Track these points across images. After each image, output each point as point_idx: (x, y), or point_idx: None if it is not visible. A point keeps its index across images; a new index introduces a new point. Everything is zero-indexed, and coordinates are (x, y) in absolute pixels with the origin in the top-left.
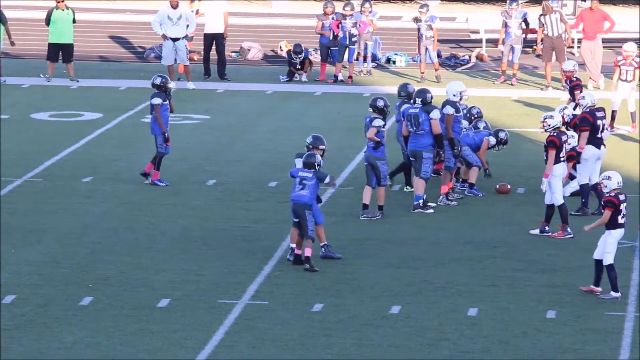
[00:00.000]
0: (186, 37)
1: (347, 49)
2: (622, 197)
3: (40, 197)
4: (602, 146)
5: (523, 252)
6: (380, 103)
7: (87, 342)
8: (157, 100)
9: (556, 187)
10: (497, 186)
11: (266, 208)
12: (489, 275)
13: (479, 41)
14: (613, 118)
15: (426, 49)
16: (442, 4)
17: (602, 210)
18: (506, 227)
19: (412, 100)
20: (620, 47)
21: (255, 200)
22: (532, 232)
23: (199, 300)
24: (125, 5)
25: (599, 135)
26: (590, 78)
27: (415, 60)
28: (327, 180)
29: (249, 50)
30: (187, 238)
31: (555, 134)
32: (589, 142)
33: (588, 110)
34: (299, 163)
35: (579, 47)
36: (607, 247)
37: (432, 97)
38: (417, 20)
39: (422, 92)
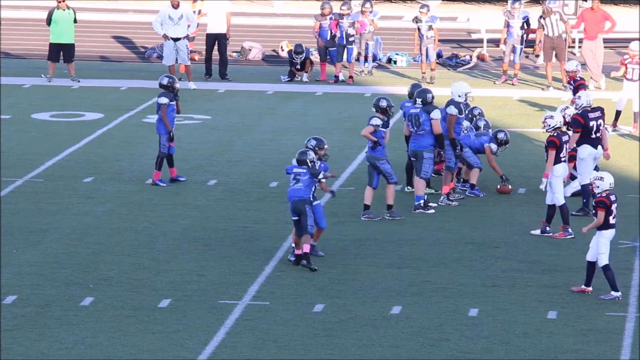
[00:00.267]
0: (187, 37)
1: (345, 48)
2: (613, 197)
3: (41, 197)
4: (599, 146)
5: (524, 253)
6: (384, 103)
7: (88, 342)
8: (164, 100)
9: (557, 187)
10: (498, 186)
11: (267, 208)
12: (490, 275)
13: (480, 41)
14: (617, 117)
15: (426, 49)
16: (443, 3)
17: (593, 211)
18: (507, 227)
19: (412, 100)
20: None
21: (256, 200)
22: (533, 232)
23: (200, 300)
24: (127, 5)
25: (593, 136)
26: (591, 78)
27: (416, 60)
28: (321, 176)
29: (250, 50)
30: (188, 238)
31: (555, 134)
32: (585, 142)
33: (581, 111)
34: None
35: (580, 47)
36: (600, 248)
37: (433, 97)
38: (417, 20)
39: (423, 92)
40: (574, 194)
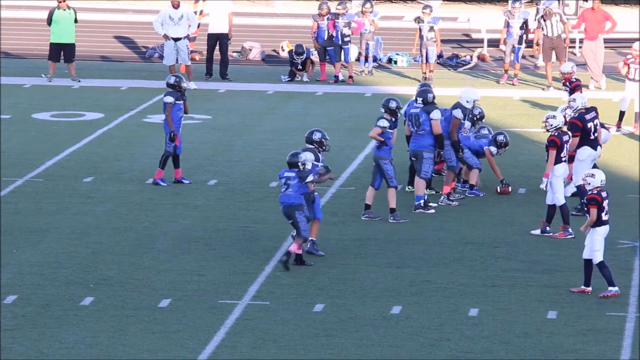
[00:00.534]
0: (187, 37)
1: (342, 48)
2: (604, 194)
3: (41, 197)
4: (599, 147)
5: (524, 253)
6: (393, 104)
7: (88, 342)
8: (169, 99)
9: (557, 187)
10: (498, 189)
11: (267, 208)
12: (490, 275)
13: (481, 41)
14: (621, 118)
15: (427, 50)
16: (444, 4)
17: (585, 208)
18: (507, 227)
19: (414, 100)
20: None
21: (256, 200)
22: (533, 232)
23: (200, 300)
24: (127, 5)
25: (592, 137)
26: (591, 78)
27: (417, 61)
28: (309, 178)
29: (251, 50)
30: (188, 238)
31: (556, 134)
32: (584, 144)
33: (577, 115)
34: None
35: (580, 47)
36: (594, 245)
37: (433, 97)
38: (419, 20)
39: (424, 92)
40: (574, 194)
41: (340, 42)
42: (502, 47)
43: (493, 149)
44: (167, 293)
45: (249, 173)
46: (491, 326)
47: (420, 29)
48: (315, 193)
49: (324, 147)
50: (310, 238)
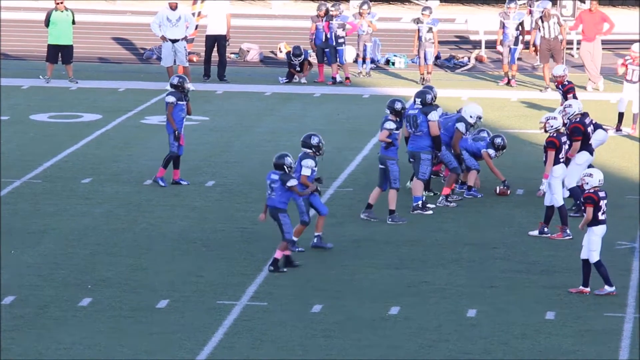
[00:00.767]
0: (185, 38)
1: (336, 50)
2: (601, 194)
3: (39, 199)
4: (593, 152)
5: (522, 254)
6: (399, 105)
7: (86, 343)
8: (170, 99)
9: (556, 189)
10: (497, 190)
11: None
12: (488, 276)
13: (478, 42)
14: (620, 120)
15: (425, 51)
16: (442, 5)
17: (582, 207)
18: (505, 228)
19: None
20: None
21: (254, 201)
22: (531, 233)
23: (198, 301)
24: (125, 7)
25: (591, 142)
26: (589, 80)
27: (414, 62)
28: (290, 182)
29: (248, 51)
30: (186, 239)
31: (555, 135)
32: (582, 149)
33: (578, 119)
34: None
35: (578, 48)
36: (592, 245)
37: (432, 99)
38: (418, 21)
39: (422, 93)
40: (570, 196)
41: (334, 44)
42: (499, 48)
43: (491, 151)
44: (165, 294)
45: (247, 174)
46: (489, 327)
47: (419, 30)
48: (315, 193)
49: (320, 152)
50: (316, 233)
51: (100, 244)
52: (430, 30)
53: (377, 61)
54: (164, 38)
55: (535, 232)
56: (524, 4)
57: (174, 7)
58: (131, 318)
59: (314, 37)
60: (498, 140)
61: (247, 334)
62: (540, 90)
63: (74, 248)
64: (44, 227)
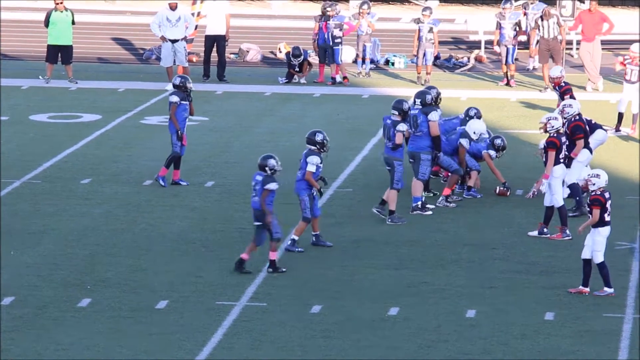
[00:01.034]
0: (185, 38)
1: (333, 49)
2: (607, 194)
3: (39, 199)
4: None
5: (521, 254)
6: (405, 106)
7: (85, 343)
8: (174, 98)
9: (556, 189)
10: (497, 190)
11: None
12: (488, 277)
13: (478, 43)
14: (620, 120)
15: (424, 52)
16: (441, 5)
17: (588, 209)
18: (505, 229)
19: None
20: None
21: None
22: (530, 233)
23: (197, 302)
24: (125, 7)
25: (589, 140)
26: (589, 80)
27: (413, 62)
28: (270, 186)
29: (248, 51)
30: (186, 240)
31: (555, 135)
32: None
33: (578, 117)
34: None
35: (577, 49)
36: (596, 245)
37: (432, 99)
38: (418, 21)
39: (422, 94)
40: (569, 195)
41: (331, 43)
42: (495, 48)
43: (492, 152)
44: (164, 294)
45: (246, 175)
46: (489, 328)
47: (419, 30)
48: (314, 193)
49: (324, 149)
50: (313, 233)
51: (100, 245)
52: (431, 30)
53: (377, 61)
54: (163, 38)
55: (535, 233)
56: (520, 5)
57: (173, 8)
58: (130, 318)
59: (317, 37)
60: (498, 141)
61: (246, 334)
62: (540, 91)
63: (74, 248)
64: (43, 227)
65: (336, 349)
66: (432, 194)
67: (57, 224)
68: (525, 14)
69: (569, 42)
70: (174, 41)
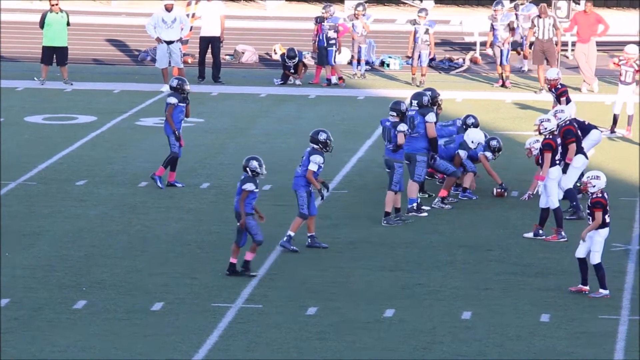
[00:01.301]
0: (180, 40)
1: (327, 51)
2: (606, 195)
3: (34, 200)
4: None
5: (517, 256)
6: (403, 107)
7: (80, 345)
8: (172, 100)
9: (551, 191)
10: (494, 192)
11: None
12: (483, 278)
13: (473, 44)
14: (615, 122)
15: (420, 53)
16: (437, 6)
17: (589, 212)
18: (500, 230)
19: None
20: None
21: None
22: (526, 235)
23: (192, 303)
24: (120, 8)
25: (584, 141)
26: (584, 81)
27: (408, 63)
28: (247, 187)
29: (243, 53)
30: (181, 241)
31: (551, 136)
32: (578, 152)
33: (568, 122)
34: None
35: (573, 50)
36: (595, 246)
37: (429, 100)
38: (414, 22)
39: (418, 95)
40: (564, 197)
41: (325, 45)
42: (488, 50)
43: (488, 154)
44: (159, 296)
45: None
46: (484, 329)
47: (415, 31)
48: (312, 191)
49: (328, 148)
50: (309, 234)
51: (95, 246)
52: (427, 31)
53: (372, 63)
54: (159, 40)
55: (530, 235)
56: (512, 7)
57: (169, 9)
58: (126, 320)
59: (317, 38)
60: (494, 143)
61: (241, 336)
62: (535, 92)
63: (69, 250)
64: (38, 229)
65: (332, 350)
66: (427, 195)
67: (52, 226)
68: (516, 15)
69: (564, 44)
70: (169, 42)
